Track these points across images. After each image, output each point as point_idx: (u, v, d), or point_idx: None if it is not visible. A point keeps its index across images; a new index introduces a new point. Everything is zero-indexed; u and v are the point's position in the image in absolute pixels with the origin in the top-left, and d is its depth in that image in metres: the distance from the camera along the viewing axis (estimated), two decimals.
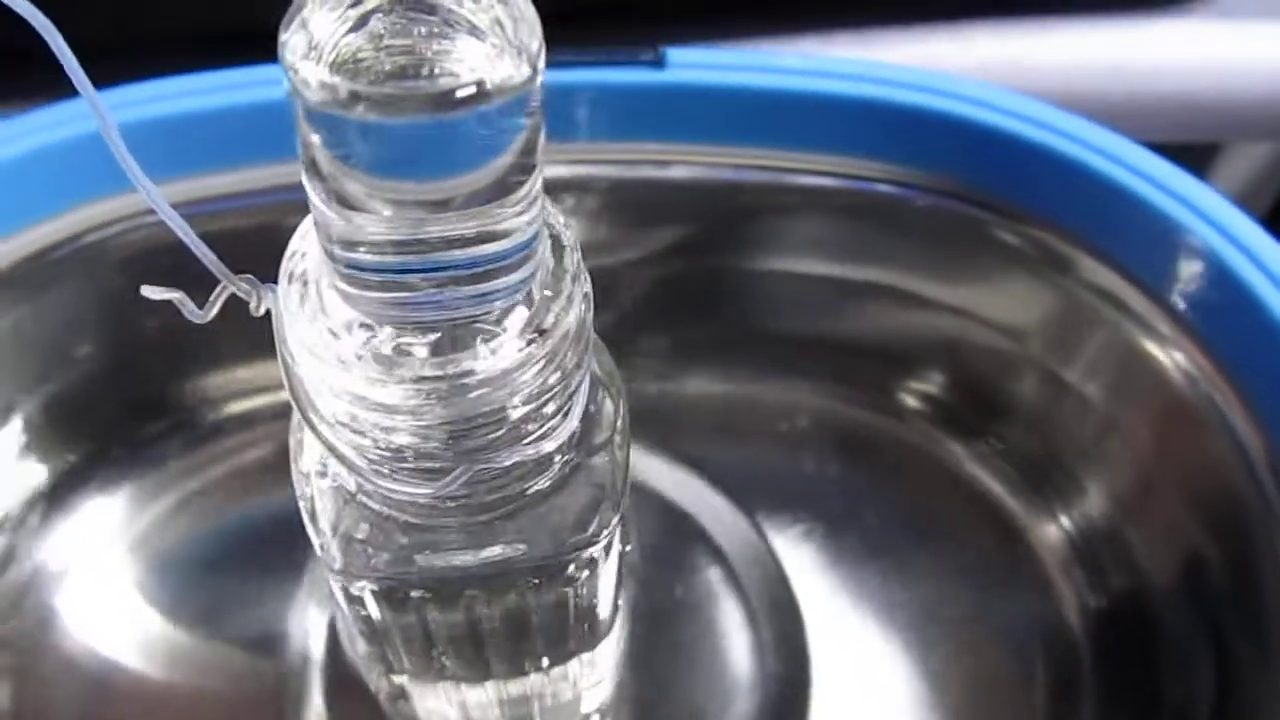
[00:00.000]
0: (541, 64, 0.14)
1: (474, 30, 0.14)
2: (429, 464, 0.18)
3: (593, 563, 0.22)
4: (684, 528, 0.32)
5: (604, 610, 0.25)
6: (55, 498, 0.30)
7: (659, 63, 0.29)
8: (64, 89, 0.28)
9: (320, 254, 0.16)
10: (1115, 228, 0.27)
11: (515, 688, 0.26)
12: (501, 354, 0.17)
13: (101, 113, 0.15)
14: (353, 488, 0.19)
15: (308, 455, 0.20)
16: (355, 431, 0.18)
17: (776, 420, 0.34)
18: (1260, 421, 0.24)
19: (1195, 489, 0.26)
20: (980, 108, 0.29)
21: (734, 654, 0.30)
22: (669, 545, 0.32)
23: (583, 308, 0.17)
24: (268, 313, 0.17)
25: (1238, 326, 0.24)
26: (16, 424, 0.29)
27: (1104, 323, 0.28)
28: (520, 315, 0.17)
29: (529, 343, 0.17)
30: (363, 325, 0.16)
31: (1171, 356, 0.26)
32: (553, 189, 0.31)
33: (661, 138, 0.30)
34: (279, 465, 0.31)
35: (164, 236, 0.28)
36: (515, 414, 0.17)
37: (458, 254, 0.15)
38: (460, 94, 0.13)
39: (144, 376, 0.31)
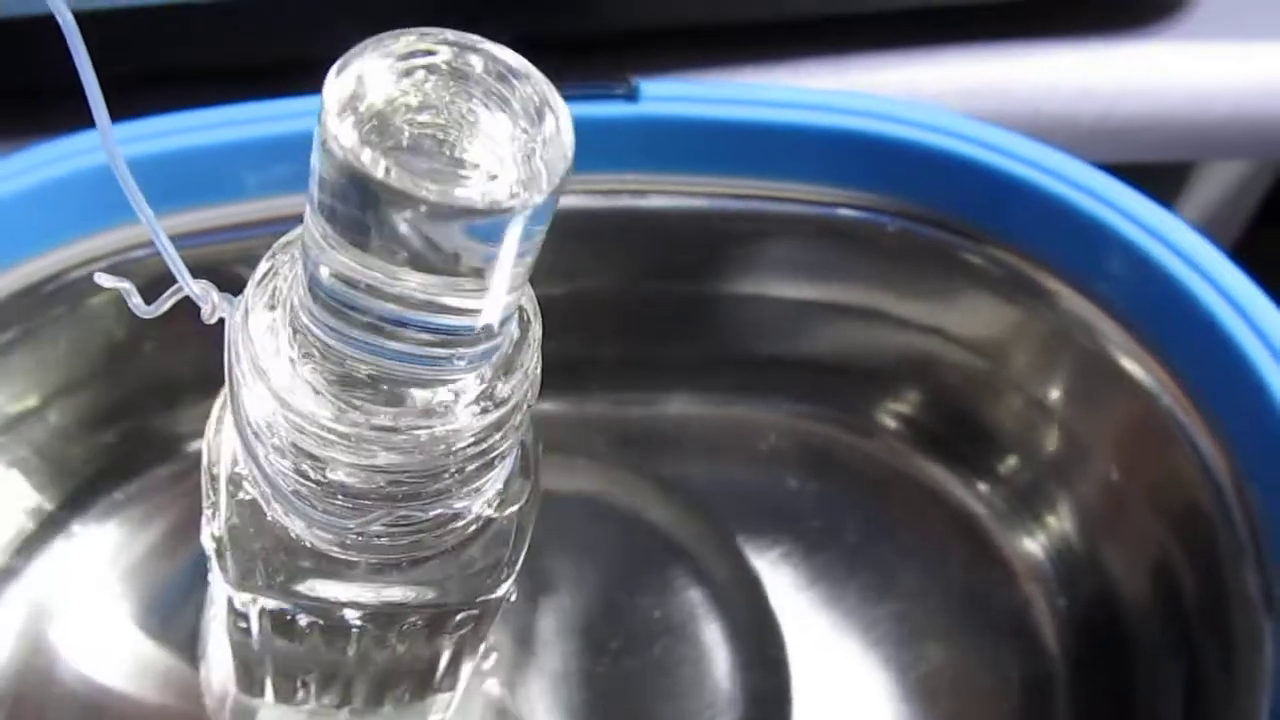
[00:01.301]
0: (561, 185, 0.14)
1: (513, 115, 0.15)
2: (354, 502, 0.18)
3: (483, 614, 0.22)
4: (665, 548, 0.33)
5: (476, 656, 0.25)
6: (50, 528, 0.31)
7: (632, 96, 0.30)
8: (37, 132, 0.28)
9: (295, 280, 0.17)
10: (1078, 252, 0.28)
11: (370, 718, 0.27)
12: (453, 415, 0.17)
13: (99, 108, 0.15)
14: (265, 507, 0.20)
15: (224, 461, 0.20)
16: (293, 457, 0.18)
17: (756, 441, 0.34)
18: (1223, 440, 0.25)
19: (1164, 505, 0.27)
20: (946, 136, 0.30)
21: (715, 672, 0.31)
22: (650, 565, 0.32)
23: (535, 379, 0.18)
24: (220, 323, 0.17)
25: (1200, 349, 0.25)
26: (12, 451, 0.30)
27: (1071, 344, 0.29)
28: (477, 380, 0.17)
29: (484, 410, 0.17)
30: (324, 358, 0.17)
31: (1138, 378, 0.27)
32: None
33: (638, 168, 0.31)
34: None
35: (147, 270, 0.29)
36: (452, 471, 0.18)
37: (444, 319, 0.16)
38: (460, 204, 0.14)
39: (133, 408, 0.32)
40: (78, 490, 0.31)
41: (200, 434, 0.33)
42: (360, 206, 0.14)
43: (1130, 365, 0.27)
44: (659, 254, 0.33)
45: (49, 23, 0.14)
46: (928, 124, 0.30)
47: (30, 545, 0.31)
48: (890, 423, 0.34)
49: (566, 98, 0.30)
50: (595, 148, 0.30)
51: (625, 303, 0.33)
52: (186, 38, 0.33)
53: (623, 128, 0.30)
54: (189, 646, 0.30)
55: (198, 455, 0.32)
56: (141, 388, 0.32)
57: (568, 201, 0.32)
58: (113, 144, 0.15)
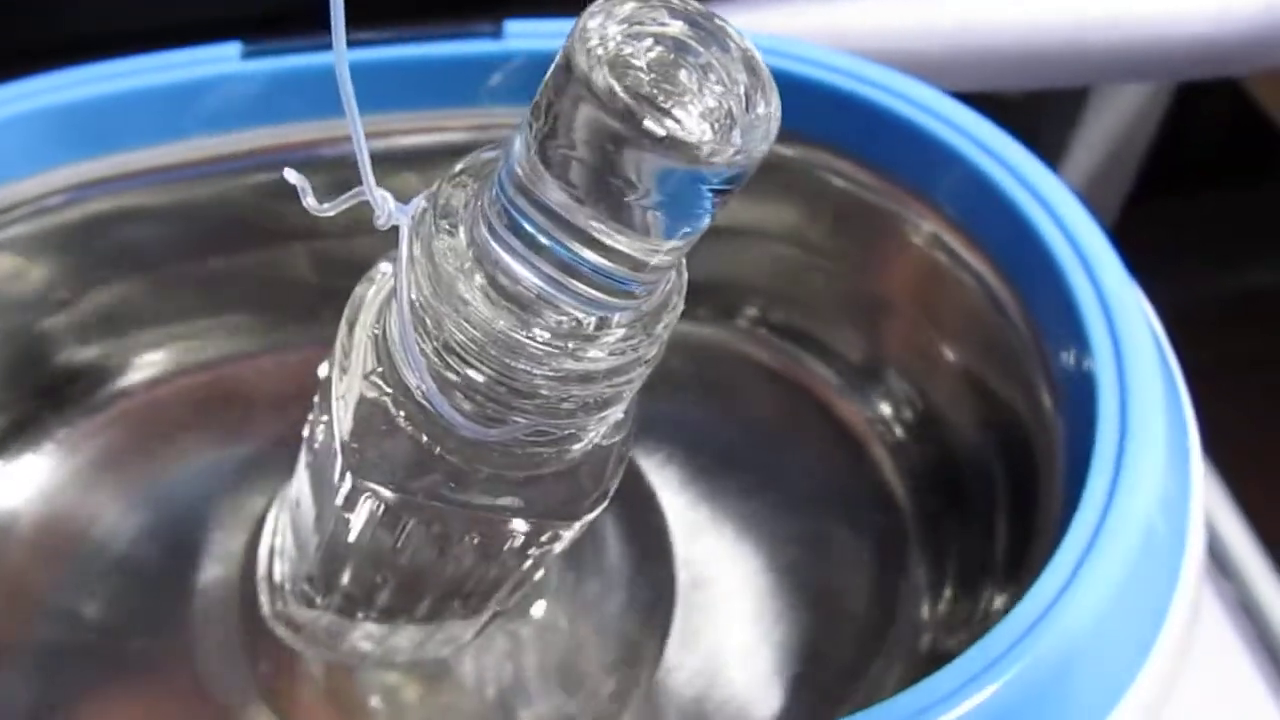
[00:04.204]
0: (754, 163, 0.16)
1: (724, 93, 0.16)
2: (499, 410, 0.19)
3: (557, 537, 0.24)
4: None
5: (533, 581, 0.27)
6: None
7: (498, 34, 0.32)
8: None
9: (477, 200, 0.18)
10: (882, 144, 0.31)
11: (420, 630, 0.29)
12: (608, 344, 0.19)
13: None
14: (393, 410, 0.21)
15: (357, 365, 0.21)
16: (456, 362, 0.19)
17: None
18: (1007, 280, 0.28)
19: (971, 349, 0.31)
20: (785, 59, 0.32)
21: (608, 559, 0.33)
22: None
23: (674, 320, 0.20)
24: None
25: (989, 217, 0.29)
26: None
27: (882, 228, 0.32)
28: (633, 315, 0.19)
29: (635, 346, 0.19)
30: (501, 274, 0.18)
31: (934, 241, 0.30)
32: (416, 159, 0.34)
33: (509, 103, 0.33)
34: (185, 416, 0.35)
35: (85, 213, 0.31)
36: (593, 395, 0.19)
37: (617, 267, 0.17)
38: (667, 137, 0.15)
39: (62, 348, 0.34)
40: (13, 420, 0.34)
41: (128, 371, 0.36)
42: (577, 131, 0.16)
43: (931, 233, 0.31)
44: None
45: None
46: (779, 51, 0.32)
47: None
48: (750, 327, 0.37)
49: (433, 38, 0.33)
50: (464, 85, 0.33)
51: None
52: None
53: (489, 65, 0.33)
54: (125, 556, 0.33)
55: (124, 390, 0.35)
56: (72, 328, 0.34)
57: (449, 138, 0.34)
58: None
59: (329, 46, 0.33)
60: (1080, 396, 0.25)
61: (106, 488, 0.34)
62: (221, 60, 0.32)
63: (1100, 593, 0.22)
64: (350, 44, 0.34)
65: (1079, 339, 0.25)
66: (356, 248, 0.32)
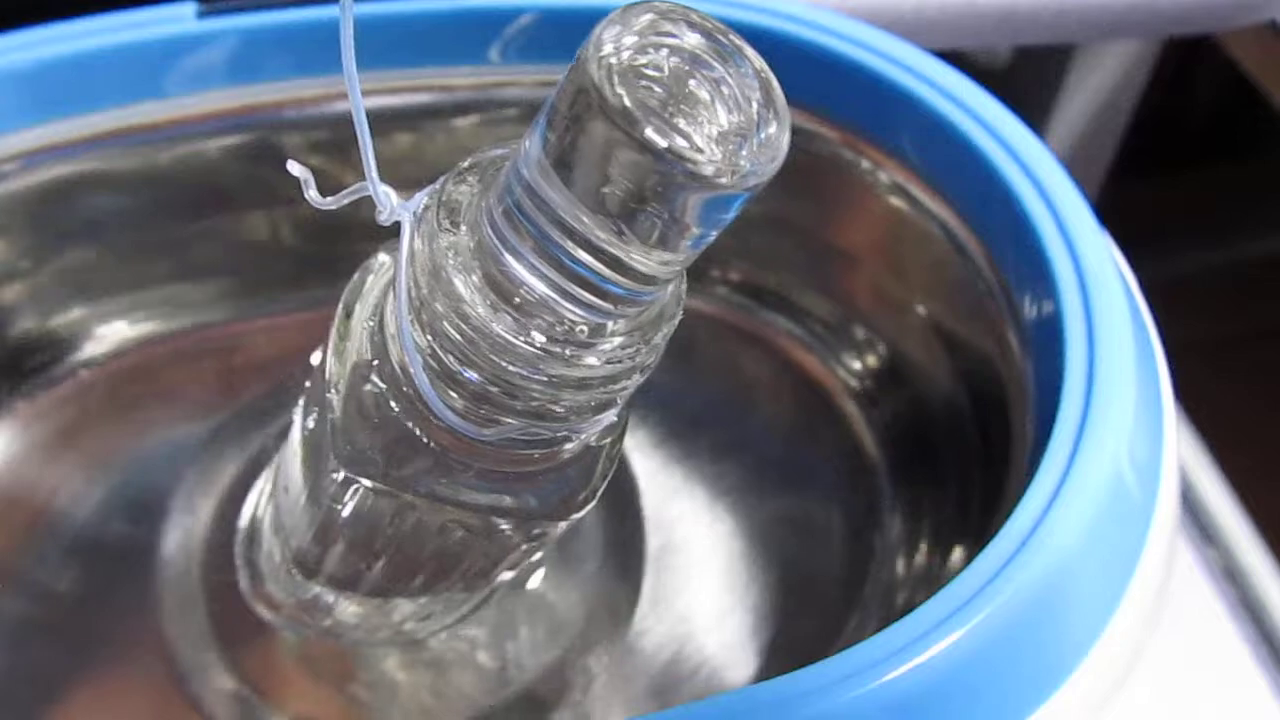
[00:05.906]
0: (757, 184, 0.16)
1: (736, 112, 0.16)
2: (493, 411, 0.19)
3: (546, 533, 0.24)
4: None
5: (525, 569, 0.27)
6: None
7: None
8: None
9: (481, 200, 0.18)
10: (839, 93, 0.30)
11: (409, 605, 0.28)
12: (604, 351, 0.19)
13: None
14: (386, 404, 0.21)
15: (351, 355, 0.21)
16: (452, 361, 0.19)
17: None
18: (973, 227, 0.28)
19: (935, 292, 0.31)
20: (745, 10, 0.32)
21: (580, 525, 0.33)
22: None
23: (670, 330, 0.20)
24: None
25: (952, 163, 0.28)
26: None
27: (844, 180, 0.31)
28: (629, 324, 0.19)
29: (634, 354, 0.19)
30: (502, 277, 0.18)
31: (897, 190, 0.30)
32: (397, 118, 0.33)
33: (474, 61, 0.33)
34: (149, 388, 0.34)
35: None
36: (588, 400, 0.19)
37: (618, 278, 0.17)
38: (665, 149, 0.15)
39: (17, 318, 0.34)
40: None
41: (90, 342, 0.35)
42: (586, 139, 0.16)
43: (887, 178, 0.30)
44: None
45: None
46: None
47: None
48: (717, 286, 0.36)
49: None
50: (429, 43, 0.32)
51: None
52: None
53: (463, 22, 0.32)
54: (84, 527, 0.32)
55: (86, 361, 0.35)
56: (33, 298, 0.34)
57: (417, 99, 0.33)
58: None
59: (287, 4, 0.33)
60: (1049, 343, 0.25)
61: (69, 460, 0.34)
62: (176, 20, 0.31)
63: (1064, 541, 0.22)
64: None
65: (1046, 285, 0.25)
66: (329, 212, 0.32)
